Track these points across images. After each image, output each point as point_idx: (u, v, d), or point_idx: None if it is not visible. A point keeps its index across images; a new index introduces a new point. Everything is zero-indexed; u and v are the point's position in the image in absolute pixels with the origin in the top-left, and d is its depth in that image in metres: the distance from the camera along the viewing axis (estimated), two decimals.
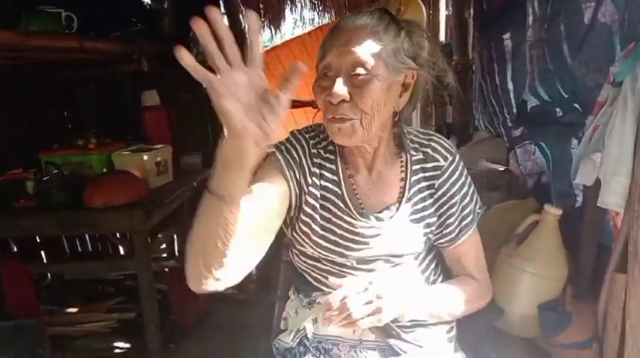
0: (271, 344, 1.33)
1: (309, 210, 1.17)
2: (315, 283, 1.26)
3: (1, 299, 2.46)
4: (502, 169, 2.20)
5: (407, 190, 1.18)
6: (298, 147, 1.17)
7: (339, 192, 1.17)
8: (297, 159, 1.16)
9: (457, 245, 1.22)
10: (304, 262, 1.25)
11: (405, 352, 1.19)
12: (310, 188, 1.16)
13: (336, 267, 1.19)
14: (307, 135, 1.21)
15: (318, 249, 1.18)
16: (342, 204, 1.16)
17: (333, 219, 1.16)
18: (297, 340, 1.26)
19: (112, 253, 3.64)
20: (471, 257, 1.26)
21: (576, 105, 1.59)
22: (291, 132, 1.22)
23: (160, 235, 3.33)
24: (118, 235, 3.31)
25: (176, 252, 3.59)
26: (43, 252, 3.49)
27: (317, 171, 1.18)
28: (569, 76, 1.56)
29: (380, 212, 1.18)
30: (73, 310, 3.04)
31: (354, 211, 1.16)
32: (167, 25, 3.12)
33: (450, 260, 1.27)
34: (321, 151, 1.19)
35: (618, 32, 1.38)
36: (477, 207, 1.24)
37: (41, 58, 2.27)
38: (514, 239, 1.64)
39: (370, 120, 1.04)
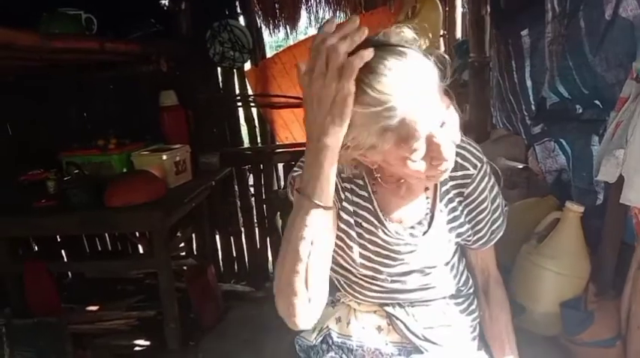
0: (293, 341, 1.34)
1: (343, 226, 1.14)
2: (341, 288, 1.26)
3: (23, 298, 2.51)
4: (521, 167, 2.18)
5: (438, 202, 1.16)
6: None
7: (371, 207, 1.15)
8: None
9: (488, 247, 1.24)
10: (335, 271, 1.24)
11: (428, 350, 1.20)
12: (344, 203, 1.14)
13: (369, 280, 1.19)
14: None
15: (352, 263, 1.17)
16: (375, 221, 1.15)
17: (367, 236, 1.15)
18: (320, 338, 1.27)
19: (132, 252, 3.69)
20: (493, 255, 1.28)
21: (597, 101, 1.57)
22: None
23: (179, 233, 3.37)
24: (137, 234, 3.35)
25: (194, 251, 3.63)
26: (63, 251, 3.54)
27: (347, 185, 1.15)
28: (590, 72, 1.55)
29: (412, 227, 1.16)
30: (94, 308, 3.10)
31: (388, 228, 1.14)
32: (185, 26, 3.15)
33: (474, 258, 1.29)
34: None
35: None
36: (504, 205, 1.24)
37: (62, 60, 2.30)
38: (535, 237, 1.63)
39: None
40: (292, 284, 0.91)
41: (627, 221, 1.42)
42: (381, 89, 0.84)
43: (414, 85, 0.86)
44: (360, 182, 1.16)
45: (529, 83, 2.15)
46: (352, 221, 1.15)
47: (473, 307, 1.28)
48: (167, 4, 3.25)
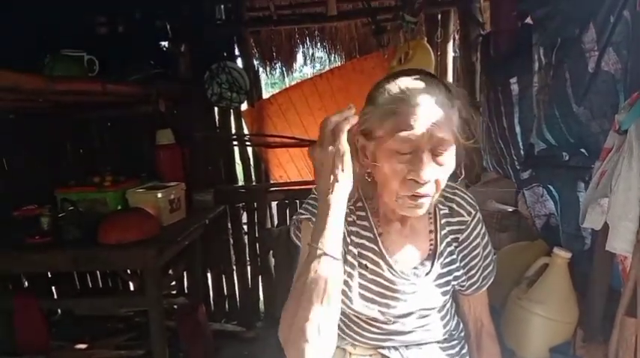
0: None
1: (347, 268, 1.17)
2: (338, 330, 1.27)
3: (11, 335, 2.48)
4: (511, 210, 2.21)
5: (438, 244, 1.21)
6: None
7: (377, 249, 1.19)
8: None
9: (480, 292, 1.28)
10: None
11: None
12: (349, 246, 1.18)
13: (369, 320, 1.20)
14: None
15: (353, 306, 1.18)
16: (381, 261, 1.18)
17: (370, 276, 1.18)
18: None
19: (123, 289, 3.66)
20: (485, 302, 1.32)
21: (583, 149, 1.62)
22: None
23: (170, 271, 3.35)
24: (128, 271, 3.33)
25: (185, 289, 3.60)
26: (53, 288, 3.51)
27: (353, 229, 1.19)
28: (575, 121, 1.60)
29: (415, 268, 1.20)
30: (83, 346, 3.05)
31: (394, 268, 1.17)
32: (184, 68, 3.22)
33: (466, 304, 1.31)
34: (352, 208, 1.20)
35: (621, 80, 1.43)
36: (493, 253, 1.30)
37: (64, 101, 2.34)
38: (524, 281, 1.65)
39: (440, 192, 1.08)
40: (304, 332, 0.96)
41: (614, 267, 1.44)
42: (402, 84, 1.05)
43: (425, 95, 1.02)
44: (366, 224, 1.20)
45: (518, 129, 2.21)
46: (356, 263, 1.18)
47: (464, 351, 1.30)
48: (167, 46, 3.34)
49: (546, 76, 1.75)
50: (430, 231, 1.22)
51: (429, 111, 1.01)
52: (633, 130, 1.21)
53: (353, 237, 1.19)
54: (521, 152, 2.13)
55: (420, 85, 1.04)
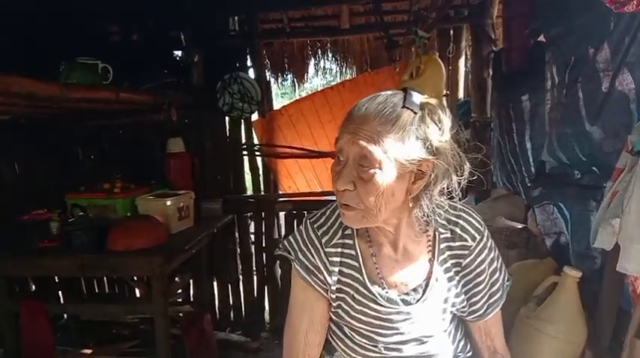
0: None
1: (339, 301, 1.18)
2: (337, 347, 1.26)
3: (17, 339, 2.48)
4: (520, 227, 2.20)
5: (434, 271, 1.15)
6: (312, 250, 1.18)
7: (361, 278, 1.16)
8: (313, 261, 1.17)
9: (486, 320, 1.20)
10: (333, 332, 1.26)
11: None
12: (335, 286, 1.17)
13: (368, 346, 1.19)
14: (319, 232, 1.19)
15: (351, 331, 1.20)
16: (366, 292, 1.15)
17: (358, 307, 1.16)
18: None
19: (129, 296, 3.67)
20: (498, 327, 1.25)
21: (594, 168, 1.62)
22: (303, 233, 1.21)
23: (177, 279, 3.36)
24: (135, 278, 3.33)
25: (191, 297, 3.60)
26: (60, 292, 3.52)
27: (336, 266, 1.17)
28: (588, 140, 1.60)
29: (407, 294, 1.15)
30: (88, 352, 3.05)
31: (378, 297, 1.14)
32: (196, 77, 3.25)
33: (477, 330, 1.24)
34: (338, 241, 1.18)
35: (635, 100, 1.42)
36: (506, 279, 1.21)
37: (77, 108, 2.37)
38: (533, 300, 1.64)
39: (376, 212, 1.02)
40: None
41: (625, 287, 1.43)
42: (352, 108, 1.05)
43: (367, 110, 1.01)
44: (352, 252, 1.17)
45: (529, 145, 2.21)
46: (344, 295, 1.17)
47: None
48: (180, 56, 3.37)
49: (559, 94, 1.75)
50: (429, 257, 1.16)
51: (359, 122, 1.00)
52: None
53: (335, 276, 1.17)
54: (532, 169, 2.13)
55: (374, 99, 1.03)
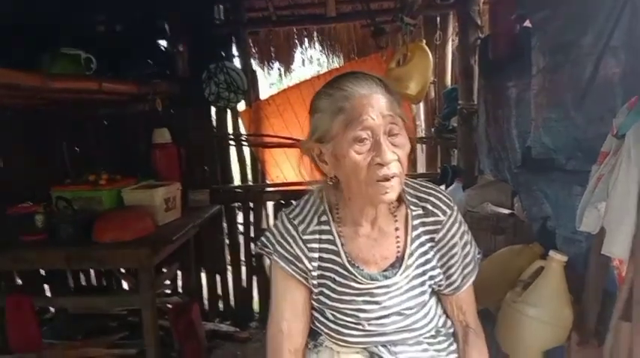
0: None
1: (321, 287, 1.22)
2: (323, 333, 1.28)
3: (3, 332, 2.46)
4: (507, 213, 2.22)
5: (409, 245, 1.21)
6: (290, 240, 1.22)
7: (341, 261, 1.21)
8: (292, 251, 1.22)
9: (461, 292, 1.26)
10: (317, 319, 1.28)
11: None
12: (314, 272, 1.22)
13: (351, 325, 1.22)
14: (295, 221, 1.24)
15: (334, 313, 1.23)
16: (346, 273, 1.20)
17: (339, 289, 1.21)
18: None
19: (116, 288, 3.64)
20: (470, 302, 1.31)
21: (579, 153, 1.62)
22: (279, 225, 1.25)
23: (164, 270, 3.34)
24: (122, 270, 3.31)
25: (179, 288, 3.59)
26: (47, 286, 3.49)
27: (315, 253, 1.22)
28: (572, 125, 1.60)
29: (385, 270, 1.21)
30: (75, 344, 3.03)
31: (359, 277, 1.19)
32: (182, 67, 3.22)
33: (449, 306, 1.31)
34: (315, 228, 1.23)
35: (619, 84, 1.43)
36: (477, 252, 1.29)
37: (61, 98, 2.33)
38: (520, 284, 1.65)
39: (403, 177, 1.12)
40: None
41: (610, 270, 1.44)
42: (339, 85, 1.10)
43: (365, 87, 1.09)
44: (330, 237, 1.22)
45: (515, 132, 2.21)
46: (324, 281, 1.22)
47: (453, 347, 1.30)
48: (165, 45, 3.33)
49: (544, 80, 1.75)
50: (401, 233, 1.22)
51: (374, 98, 1.08)
52: (631, 135, 1.21)
53: (314, 262, 1.22)
54: (518, 155, 2.13)
55: (358, 80, 1.10)
